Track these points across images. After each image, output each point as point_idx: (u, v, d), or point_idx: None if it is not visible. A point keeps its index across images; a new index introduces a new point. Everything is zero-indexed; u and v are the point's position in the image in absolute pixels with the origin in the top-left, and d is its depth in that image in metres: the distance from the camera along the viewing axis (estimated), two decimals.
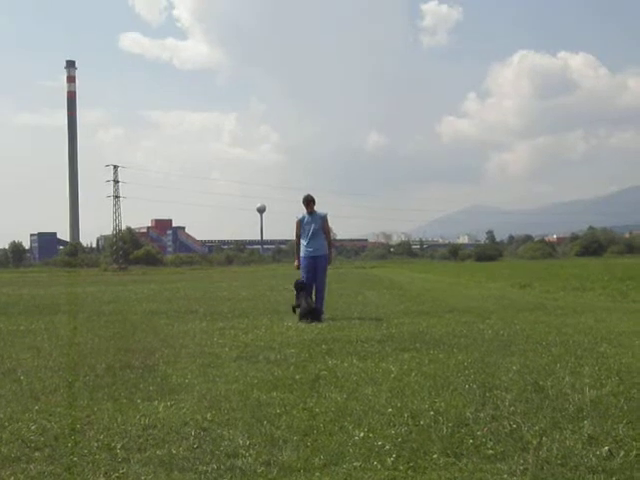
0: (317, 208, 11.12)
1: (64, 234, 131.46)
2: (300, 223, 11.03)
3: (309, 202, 11.02)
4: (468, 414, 4.21)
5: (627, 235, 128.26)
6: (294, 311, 10.58)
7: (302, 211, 11.09)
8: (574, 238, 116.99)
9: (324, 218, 11.08)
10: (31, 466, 3.41)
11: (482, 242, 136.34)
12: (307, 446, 3.64)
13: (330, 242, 11.28)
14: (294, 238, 11.29)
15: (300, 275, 11.06)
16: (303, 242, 11.02)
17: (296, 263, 11.20)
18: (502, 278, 25.19)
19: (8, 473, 3.32)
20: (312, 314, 10.23)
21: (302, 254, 11.01)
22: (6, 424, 4.19)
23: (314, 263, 10.91)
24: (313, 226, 10.93)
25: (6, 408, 4.61)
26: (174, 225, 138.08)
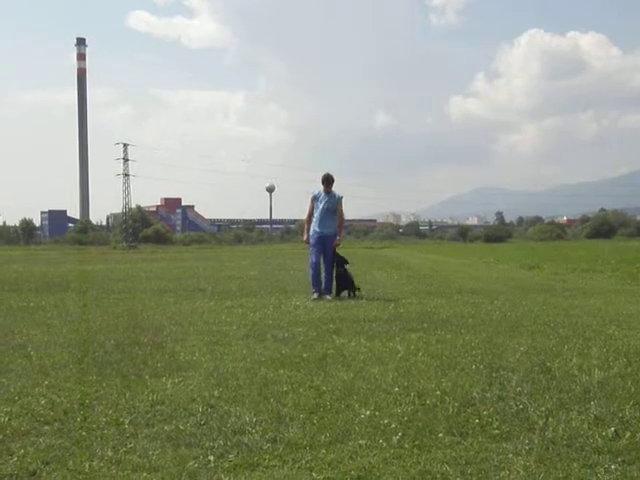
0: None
1: (74, 212, 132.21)
2: (314, 199, 10.86)
3: (329, 182, 10.80)
4: (474, 394, 4.21)
5: (638, 217, 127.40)
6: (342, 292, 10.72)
7: (316, 188, 10.91)
8: (584, 220, 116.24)
9: (339, 200, 10.90)
10: (41, 440, 3.45)
11: (491, 223, 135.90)
12: (313, 424, 3.66)
13: (341, 224, 11.12)
14: (305, 213, 11.02)
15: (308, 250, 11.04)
16: (313, 219, 10.89)
17: (305, 237, 11.00)
18: (511, 259, 25.11)
19: (18, 446, 3.36)
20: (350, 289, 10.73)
21: (311, 232, 10.89)
22: (16, 398, 4.24)
23: (323, 242, 10.82)
24: (327, 205, 10.76)
25: (16, 383, 4.66)
26: (183, 204, 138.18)
